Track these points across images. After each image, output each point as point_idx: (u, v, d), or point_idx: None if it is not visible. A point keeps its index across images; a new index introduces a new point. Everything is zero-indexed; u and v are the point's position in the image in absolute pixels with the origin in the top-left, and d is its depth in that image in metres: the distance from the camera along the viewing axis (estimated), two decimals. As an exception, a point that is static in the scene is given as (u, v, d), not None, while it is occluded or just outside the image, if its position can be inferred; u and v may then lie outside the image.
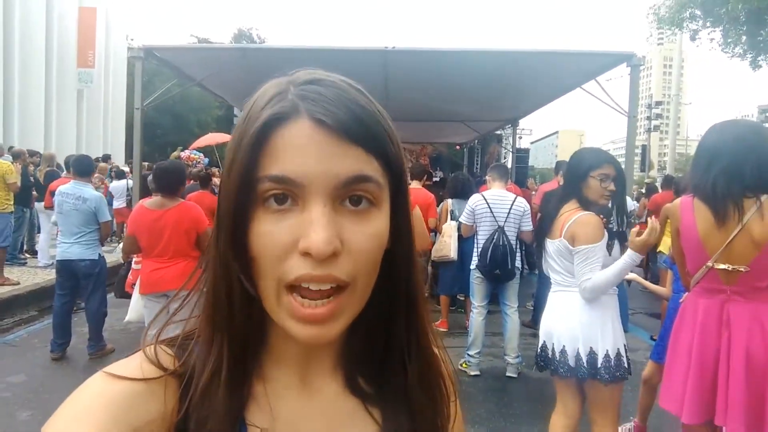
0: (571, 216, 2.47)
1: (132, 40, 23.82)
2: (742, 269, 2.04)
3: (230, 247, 0.47)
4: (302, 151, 0.45)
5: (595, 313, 2.45)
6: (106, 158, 11.87)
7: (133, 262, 4.20)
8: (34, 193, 7.99)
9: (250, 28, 47.26)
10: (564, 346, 2.46)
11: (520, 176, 12.82)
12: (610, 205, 2.56)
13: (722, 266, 2.07)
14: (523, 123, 14.66)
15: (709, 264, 2.11)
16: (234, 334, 0.50)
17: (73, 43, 19.12)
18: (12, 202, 6.77)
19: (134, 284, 3.97)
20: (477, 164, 15.15)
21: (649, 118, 30.11)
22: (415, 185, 5.84)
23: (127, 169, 10.94)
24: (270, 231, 0.45)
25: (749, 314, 2.05)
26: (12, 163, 7.21)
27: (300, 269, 0.44)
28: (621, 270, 2.39)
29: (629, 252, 2.39)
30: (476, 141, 15.04)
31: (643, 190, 13.22)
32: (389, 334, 0.55)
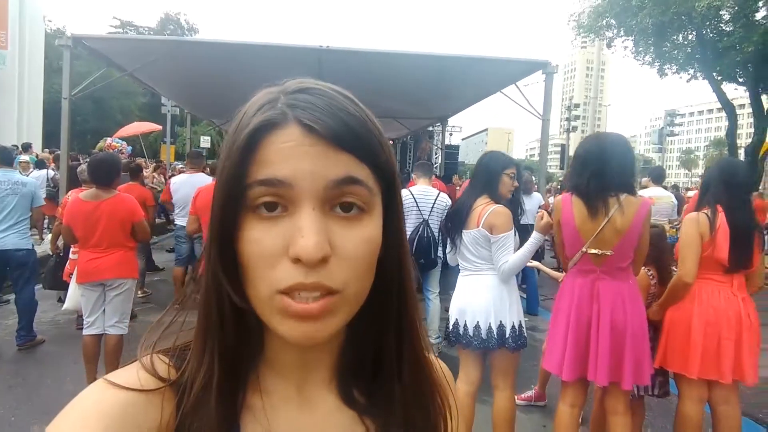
0: (487, 208, 2.85)
1: (50, 21, 22.54)
2: (609, 253, 2.53)
3: (219, 255, 0.47)
4: (291, 155, 0.45)
5: (503, 292, 2.88)
6: (27, 147, 11.32)
7: (70, 252, 4.24)
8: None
9: (178, 12, 45.61)
10: (478, 321, 2.83)
11: (450, 172, 13.36)
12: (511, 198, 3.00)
13: (593, 251, 2.56)
14: (453, 120, 15.21)
15: (584, 249, 2.60)
16: (224, 345, 0.49)
17: (-18, 22, 17.87)
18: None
19: (72, 274, 4.02)
20: (409, 159, 15.56)
21: (568, 119, 32.01)
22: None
23: (42, 156, 10.50)
24: (260, 238, 0.45)
25: (613, 290, 2.55)
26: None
27: (292, 278, 0.44)
28: (529, 250, 2.85)
29: (535, 234, 2.84)
30: (408, 137, 15.48)
31: (559, 186, 14.21)
32: (381, 344, 0.55)
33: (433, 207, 4.64)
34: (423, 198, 4.68)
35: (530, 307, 6.29)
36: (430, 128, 14.38)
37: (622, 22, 17.61)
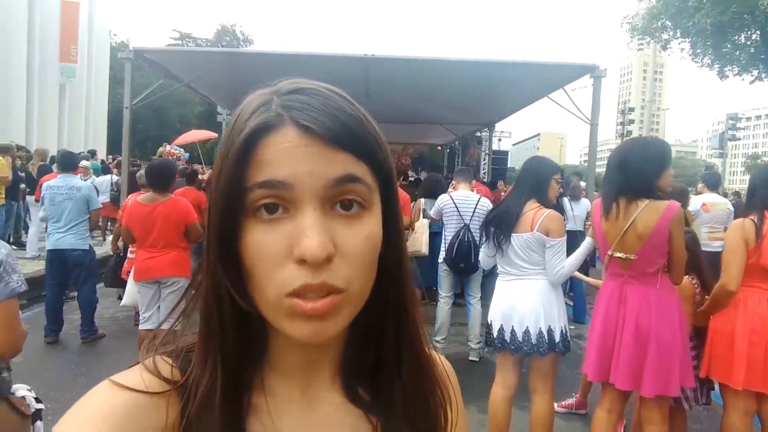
0: (540, 212, 2.87)
1: (115, 35, 23.85)
2: (632, 257, 2.54)
3: (220, 260, 0.47)
4: (289, 155, 0.45)
5: (551, 296, 2.90)
6: (92, 154, 12.03)
7: (128, 252, 4.53)
8: (23, 186, 8.19)
9: (234, 24, 47.13)
10: (527, 326, 2.84)
11: (497, 177, 13.26)
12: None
13: (618, 254, 2.58)
14: (502, 126, 15.08)
15: (609, 253, 2.62)
16: (227, 348, 0.49)
17: (55, 37, 19.09)
18: (3, 195, 6.99)
19: (129, 272, 4.30)
20: (458, 165, 15.53)
21: (622, 124, 31.03)
22: (390, 185, 6.23)
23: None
24: (262, 241, 0.45)
25: (640, 295, 2.55)
26: (2, 157, 7.42)
27: (298, 279, 0.44)
28: (582, 255, 2.93)
29: (587, 239, 2.93)
30: (457, 142, 15.44)
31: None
32: (381, 340, 0.55)
33: (474, 212, 4.66)
34: (463, 203, 4.71)
35: (577, 315, 6.19)
36: (479, 133, 14.31)
37: (678, 24, 17.01)
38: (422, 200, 6.00)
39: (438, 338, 4.89)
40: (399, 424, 0.55)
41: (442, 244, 4.84)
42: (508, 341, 2.89)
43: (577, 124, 7.05)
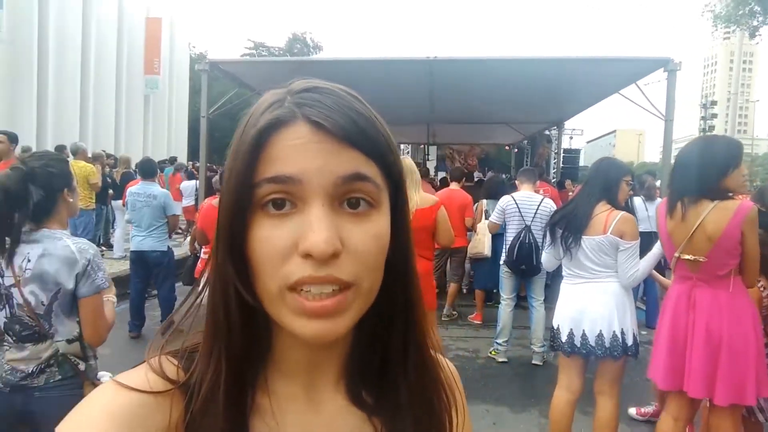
0: (613, 215, 2.82)
1: (194, 47, 25.21)
2: (702, 259, 2.44)
3: (228, 255, 0.47)
4: (300, 151, 0.45)
5: (624, 299, 2.85)
6: (173, 160, 12.82)
7: (201, 253, 4.83)
8: (111, 191, 8.88)
9: (304, 32, 48.47)
10: (600, 330, 2.79)
11: (569, 177, 12.86)
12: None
13: (687, 256, 2.48)
14: (573, 123, 14.65)
15: (676, 255, 2.53)
16: (232, 347, 0.49)
17: (140, 51, 20.45)
18: (94, 200, 7.62)
19: (202, 271, 4.58)
20: (526, 164, 15.22)
21: (704, 118, 29.16)
22: (454, 186, 6.25)
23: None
24: (269, 235, 0.45)
25: (710, 298, 2.44)
26: (93, 165, 8.08)
27: (301, 271, 0.44)
28: (656, 257, 2.89)
29: (659, 243, 2.85)
30: (525, 141, 15.13)
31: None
32: (387, 343, 0.55)
33: (536, 213, 4.60)
34: (525, 203, 4.65)
35: (650, 320, 5.93)
36: (548, 132, 13.96)
37: (769, 8, 15.84)
38: (484, 201, 5.96)
39: (500, 341, 4.86)
40: (404, 426, 0.55)
41: (504, 246, 4.81)
42: (579, 345, 2.84)
43: (656, 119, 6.73)
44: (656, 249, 2.91)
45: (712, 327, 2.40)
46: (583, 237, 2.85)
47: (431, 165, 13.49)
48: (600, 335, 2.78)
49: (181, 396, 0.49)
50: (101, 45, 18.44)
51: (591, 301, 2.85)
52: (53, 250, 1.79)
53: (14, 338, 1.81)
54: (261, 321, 0.50)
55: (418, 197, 3.58)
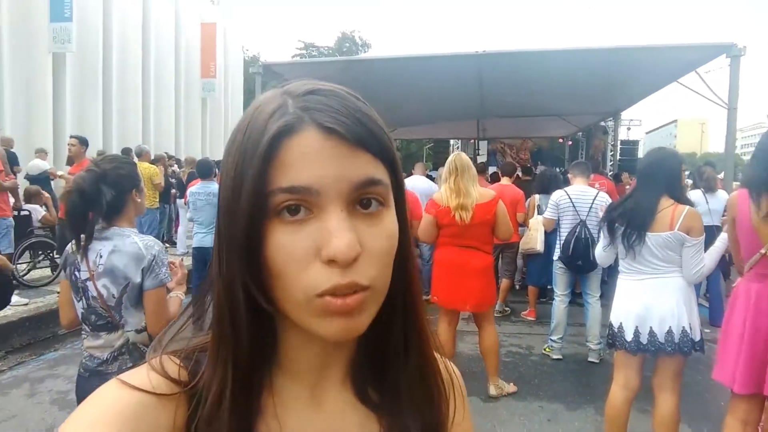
0: (679, 210, 2.72)
1: (247, 50, 25.89)
2: None
3: (243, 263, 0.47)
4: (314, 159, 0.45)
5: (689, 294, 2.79)
6: (228, 160, 13.23)
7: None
8: (173, 191, 9.30)
9: (353, 30, 48.78)
10: (670, 326, 2.71)
11: (626, 169, 12.40)
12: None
13: None
14: (630, 114, 14.13)
15: (763, 251, 2.37)
16: (239, 350, 0.49)
17: (197, 56, 21.22)
18: (158, 200, 8.01)
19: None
20: (581, 157, 14.81)
21: (774, 105, 27.47)
22: (505, 182, 6.20)
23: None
24: (288, 243, 0.45)
25: None
26: (156, 166, 8.49)
27: (328, 280, 0.45)
28: (720, 252, 2.86)
29: (722, 235, 2.83)
30: (580, 133, 14.73)
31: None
32: (388, 339, 0.56)
33: (591, 207, 4.50)
34: (580, 198, 4.57)
35: (714, 318, 5.68)
36: (603, 123, 13.53)
37: None
38: (537, 196, 5.88)
39: (554, 338, 4.79)
40: (406, 419, 0.56)
41: (557, 241, 4.73)
42: (646, 343, 2.76)
43: (720, 108, 6.42)
44: (720, 243, 2.83)
45: None
46: (648, 234, 2.76)
47: (481, 160, 13.37)
48: (669, 331, 2.71)
49: (186, 398, 0.49)
50: (160, 51, 19.23)
51: (657, 297, 2.77)
52: (122, 247, 1.93)
53: (90, 327, 1.98)
54: (266, 324, 0.51)
55: (477, 193, 3.60)
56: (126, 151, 8.10)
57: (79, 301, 1.98)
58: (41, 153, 9.20)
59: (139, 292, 1.95)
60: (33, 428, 3.54)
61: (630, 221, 2.80)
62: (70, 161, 7.47)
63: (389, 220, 0.49)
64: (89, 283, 1.93)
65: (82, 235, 1.90)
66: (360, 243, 0.46)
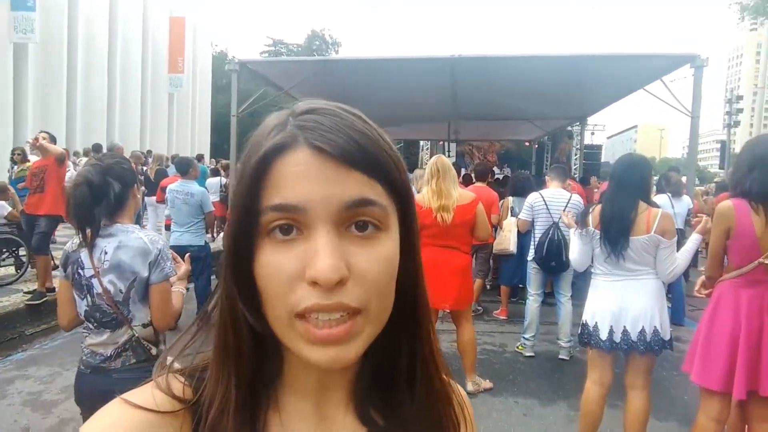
0: (653, 214, 2.85)
1: (216, 46, 25.49)
2: None
3: (235, 281, 0.47)
4: (302, 178, 0.45)
5: (660, 296, 2.93)
6: (200, 158, 13.08)
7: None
8: (143, 188, 9.13)
9: (323, 29, 48.66)
10: (643, 326, 2.85)
11: (590, 173, 12.81)
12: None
13: None
14: (595, 119, 14.48)
15: (762, 260, 2.45)
16: (242, 369, 0.49)
17: (164, 51, 20.83)
18: (128, 197, 7.87)
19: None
20: (546, 161, 15.14)
21: (729, 113, 28.61)
22: (479, 184, 6.33)
23: (210, 166, 12.10)
24: (275, 261, 0.45)
25: None
26: (127, 162, 8.32)
27: (309, 299, 0.44)
28: (691, 252, 3.00)
29: (695, 235, 2.97)
30: (546, 137, 15.06)
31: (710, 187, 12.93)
32: (395, 363, 0.55)
33: (564, 210, 4.65)
34: (553, 200, 4.72)
35: (676, 317, 5.94)
36: (569, 128, 13.88)
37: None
38: (511, 198, 6.04)
39: (527, 335, 4.95)
40: None
41: (531, 242, 4.88)
42: (619, 341, 2.88)
43: (678, 114, 6.69)
44: (692, 243, 2.98)
45: None
46: (630, 238, 2.85)
47: (451, 162, 13.53)
48: (642, 331, 2.83)
49: (190, 416, 0.49)
50: (127, 45, 18.82)
51: (631, 298, 2.89)
52: (128, 242, 1.94)
53: (95, 324, 1.97)
54: (270, 342, 0.50)
55: (457, 194, 3.69)
56: (97, 147, 7.94)
57: (83, 299, 1.97)
58: None
59: (146, 287, 1.97)
60: (8, 430, 3.46)
61: (611, 227, 2.89)
62: (23, 158, 7.35)
63: (386, 244, 0.48)
64: (94, 280, 1.93)
65: (88, 231, 1.89)
66: (350, 266, 0.45)
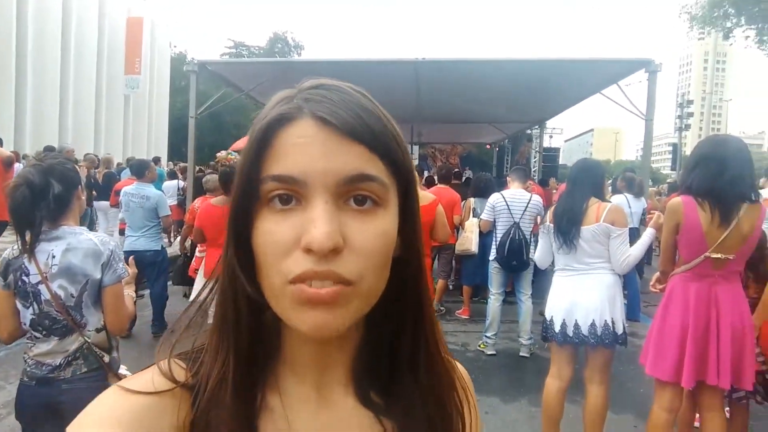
0: (603, 206, 3.02)
1: (174, 47, 24.93)
2: (731, 257, 2.52)
3: (235, 250, 0.48)
4: (304, 149, 0.45)
5: (615, 290, 3.02)
6: (156, 160, 12.74)
7: (197, 251, 4.89)
8: (93, 192, 8.83)
9: (285, 31, 48.23)
10: (593, 319, 2.94)
11: (548, 175, 13.14)
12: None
13: (717, 255, 2.53)
14: (554, 122, 14.82)
15: (708, 254, 2.55)
16: (240, 342, 0.49)
17: (121, 51, 20.22)
18: (81, 201, 7.59)
19: (197, 269, 4.65)
20: (507, 163, 15.43)
21: (680, 117, 29.91)
22: (442, 186, 6.39)
23: (167, 168, 11.81)
24: (273, 229, 0.45)
25: (731, 294, 2.56)
26: (79, 165, 8.04)
27: (302, 265, 0.44)
28: (645, 245, 3.10)
29: (649, 229, 3.11)
30: (506, 140, 15.35)
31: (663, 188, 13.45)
32: (397, 345, 0.55)
33: (525, 210, 4.75)
34: (515, 201, 4.80)
35: (631, 313, 6.13)
36: (529, 131, 14.20)
37: (743, 10, 16.30)
38: (472, 199, 6.12)
39: (489, 334, 5.01)
40: (416, 427, 0.55)
41: (493, 242, 4.95)
42: (571, 335, 2.97)
43: (632, 118, 6.96)
44: (646, 237, 3.11)
45: (735, 320, 2.52)
46: (581, 227, 3.02)
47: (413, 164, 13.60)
48: (593, 325, 2.93)
49: (189, 395, 0.49)
50: (81, 45, 18.21)
51: (583, 292, 3.00)
52: (77, 244, 1.86)
53: (44, 333, 1.87)
54: (269, 318, 0.50)
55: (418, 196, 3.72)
56: (49, 149, 7.63)
57: (28, 308, 1.87)
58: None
59: (99, 289, 1.89)
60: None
61: (563, 218, 3.09)
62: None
63: (383, 220, 0.48)
64: (41, 287, 1.84)
65: (28, 235, 1.80)
66: (345, 237, 0.45)
